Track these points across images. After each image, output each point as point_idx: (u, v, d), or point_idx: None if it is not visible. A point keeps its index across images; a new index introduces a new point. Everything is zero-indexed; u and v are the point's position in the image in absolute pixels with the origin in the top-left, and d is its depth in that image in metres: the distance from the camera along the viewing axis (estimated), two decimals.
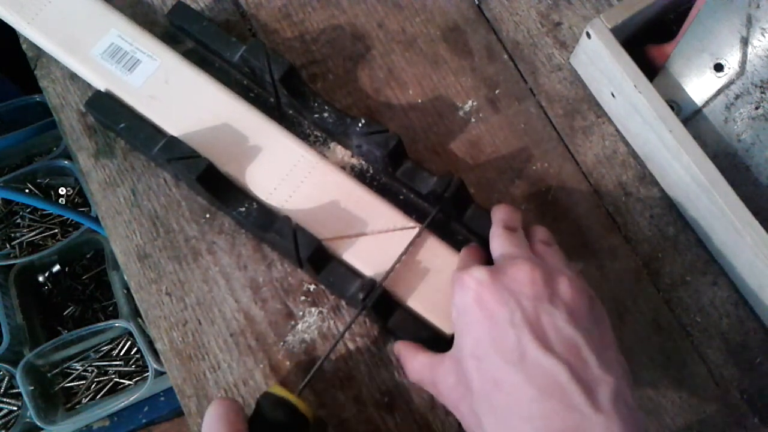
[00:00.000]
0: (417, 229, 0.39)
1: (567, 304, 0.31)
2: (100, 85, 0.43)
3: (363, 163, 0.43)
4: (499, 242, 0.36)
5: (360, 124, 0.40)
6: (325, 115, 0.42)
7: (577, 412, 0.28)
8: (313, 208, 0.40)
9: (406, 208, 0.41)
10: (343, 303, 0.41)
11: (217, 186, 0.40)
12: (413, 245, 0.39)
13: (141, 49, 0.42)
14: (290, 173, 0.40)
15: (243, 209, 0.39)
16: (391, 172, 0.41)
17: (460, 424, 0.39)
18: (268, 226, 0.38)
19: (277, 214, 0.39)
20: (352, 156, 0.43)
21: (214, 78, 0.43)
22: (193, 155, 0.39)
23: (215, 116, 0.41)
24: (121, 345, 0.99)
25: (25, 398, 0.88)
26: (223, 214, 0.43)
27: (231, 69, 0.44)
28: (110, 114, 0.41)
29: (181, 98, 0.42)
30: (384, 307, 0.38)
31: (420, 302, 0.38)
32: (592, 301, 0.33)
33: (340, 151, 0.43)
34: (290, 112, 0.44)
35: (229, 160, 0.41)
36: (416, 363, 0.36)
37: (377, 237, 0.39)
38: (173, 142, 0.40)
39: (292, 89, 0.42)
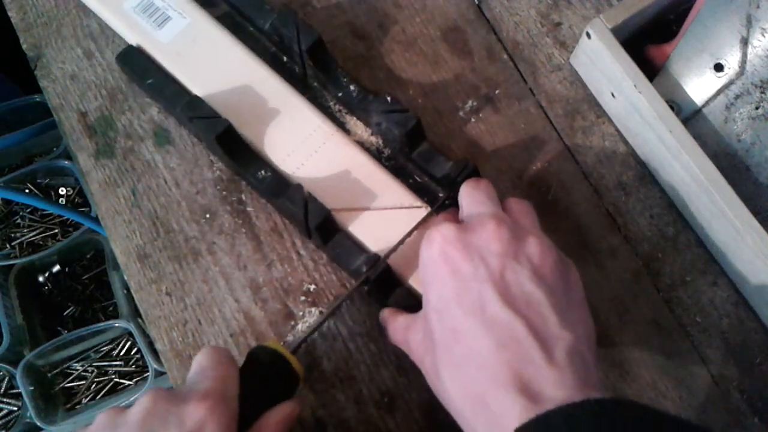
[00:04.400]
0: (425, 210, 0.40)
1: (532, 263, 0.31)
2: (130, 38, 0.44)
3: (380, 141, 0.43)
4: (467, 198, 0.36)
5: (386, 100, 0.40)
6: (350, 89, 0.42)
7: (532, 364, 0.28)
8: (325, 178, 0.40)
9: (418, 191, 0.41)
10: (343, 303, 0.41)
11: (234, 148, 0.41)
12: (420, 226, 0.39)
13: (172, 6, 0.43)
14: (305, 141, 0.41)
15: (258, 174, 0.40)
16: (407, 153, 0.41)
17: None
18: (281, 192, 0.39)
19: (290, 181, 0.40)
20: (371, 134, 0.43)
21: (241, 42, 0.43)
22: (214, 116, 0.40)
23: (238, 79, 0.42)
24: (121, 345, 0.99)
25: (25, 398, 0.88)
26: (222, 213, 0.43)
27: (261, 36, 0.45)
28: (140, 69, 0.43)
29: (207, 58, 0.43)
30: (386, 284, 0.38)
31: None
32: (561, 263, 0.33)
33: (359, 128, 0.43)
34: (315, 84, 0.44)
35: (248, 122, 0.41)
36: (395, 325, 0.37)
37: (385, 213, 0.40)
38: (196, 101, 0.40)
39: (319, 61, 0.42)
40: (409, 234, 0.39)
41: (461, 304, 0.31)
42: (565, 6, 0.48)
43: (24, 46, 0.47)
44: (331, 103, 0.44)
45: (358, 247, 0.39)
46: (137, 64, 0.43)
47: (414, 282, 0.39)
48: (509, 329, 0.29)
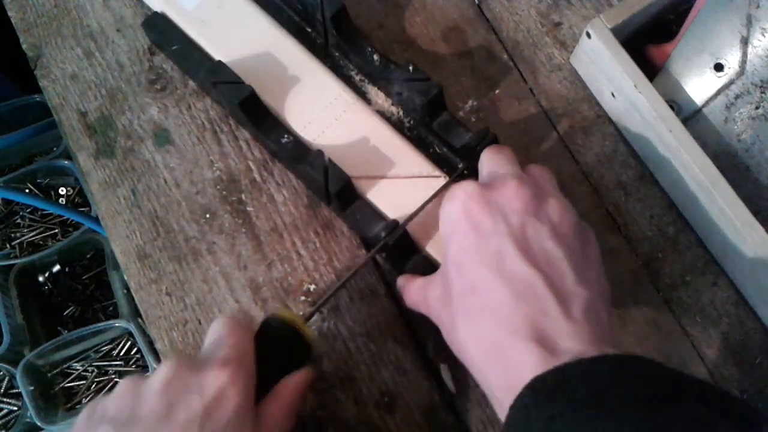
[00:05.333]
0: (443, 179, 0.40)
1: (552, 221, 0.32)
2: (155, 4, 0.44)
3: (401, 111, 0.43)
4: (488, 162, 0.36)
5: (408, 69, 0.41)
6: (373, 58, 0.42)
7: (549, 317, 0.29)
8: (344, 146, 0.41)
9: (438, 161, 0.41)
10: (343, 302, 0.41)
11: (257, 114, 0.41)
12: (438, 195, 0.39)
13: None
14: (326, 109, 0.42)
15: (279, 139, 0.41)
16: (428, 123, 0.41)
17: (460, 425, 0.39)
18: (302, 158, 0.39)
19: (310, 147, 0.41)
20: (392, 104, 0.43)
21: (263, 10, 0.44)
22: (238, 81, 0.40)
23: (260, 47, 0.43)
24: (121, 345, 0.99)
25: (25, 398, 0.88)
26: (222, 213, 0.43)
27: (284, 5, 0.45)
28: (165, 35, 0.43)
29: (231, 26, 0.43)
30: (403, 251, 0.39)
31: (438, 249, 0.39)
32: (580, 225, 0.33)
33: (380, 97, 0.44)
34: (336, 53, 0.44)
35: (269, 90, 0.42)
36: (412, 288, 0.37)
37: (404, 182, 0.40)
38: (220, 66, 0.41)
39: (342, 29, 0.42)
40: (428, 202, 0.39)
41: (481, 258, 0.31)
42: (565, 6, 0.48)
43: (24, 46, 0.47)
44: (353, 72, 0.44)
45: (377, 214, 0.39)
46: (162, 31, 0.44)
47: (431, 249, 0.39)
48: (528, 283, 0.30)
